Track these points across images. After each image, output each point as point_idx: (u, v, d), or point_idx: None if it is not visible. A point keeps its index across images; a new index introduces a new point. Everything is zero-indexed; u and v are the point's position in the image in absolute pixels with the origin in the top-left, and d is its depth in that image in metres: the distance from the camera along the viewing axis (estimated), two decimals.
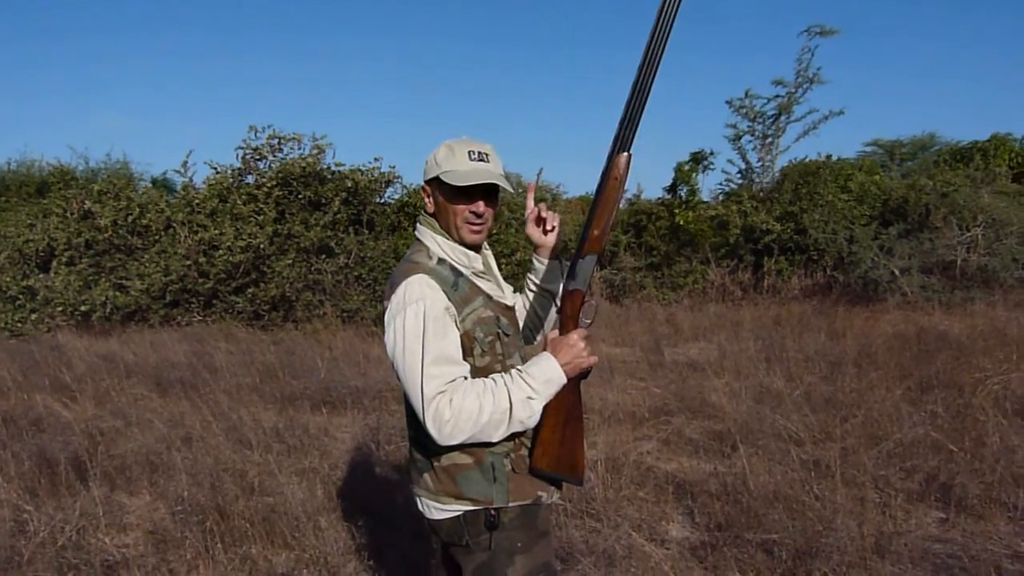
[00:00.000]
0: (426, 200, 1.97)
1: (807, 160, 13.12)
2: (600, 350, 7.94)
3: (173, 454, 5.03)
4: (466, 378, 1.80)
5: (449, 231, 1.94)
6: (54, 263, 10.87)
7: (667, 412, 5.91)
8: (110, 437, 5.58)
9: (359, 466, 4.90)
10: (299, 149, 11.51)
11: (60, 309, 10.30)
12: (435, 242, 1.93)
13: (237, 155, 11.41)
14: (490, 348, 1.89)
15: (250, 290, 10.37)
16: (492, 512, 1.86)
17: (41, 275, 10.74)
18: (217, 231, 10.44)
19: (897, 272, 10.29)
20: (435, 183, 1.92)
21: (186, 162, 11.59)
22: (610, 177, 1.87)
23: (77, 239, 10.89)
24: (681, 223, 12.38)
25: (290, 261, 10.43)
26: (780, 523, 3.74)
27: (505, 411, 1.77)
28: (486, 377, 1.83)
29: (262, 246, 10.32)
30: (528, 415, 1.81)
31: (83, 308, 10.23)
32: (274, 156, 11.45)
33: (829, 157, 13.19)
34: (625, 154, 1.84)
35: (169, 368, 7.57)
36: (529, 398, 1.81)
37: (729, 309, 10.96)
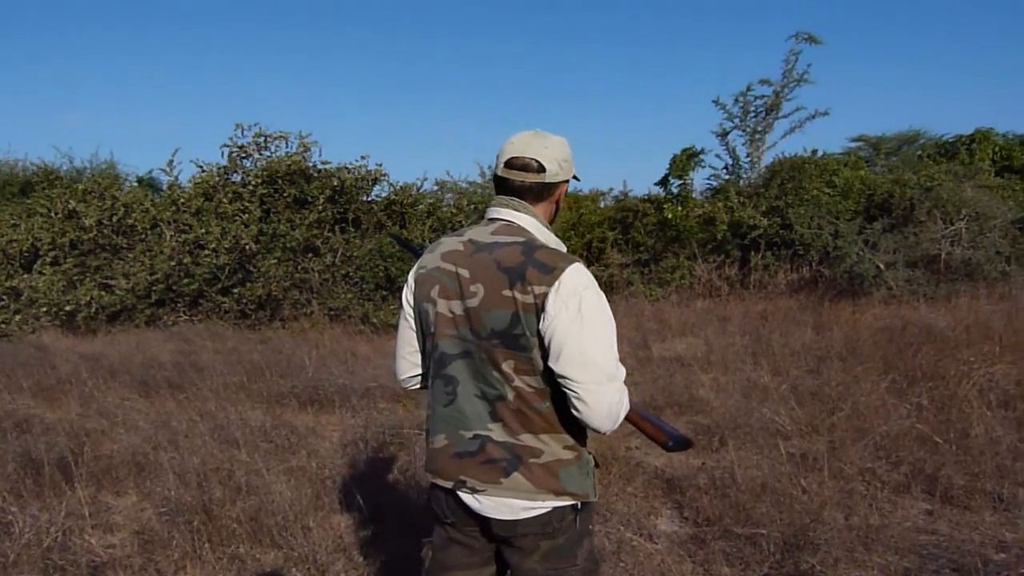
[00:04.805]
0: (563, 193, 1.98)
1: (793, 155, 13.15)
2: None
3: (160, 454, 5.00)
4: None
5: (550, 223, 1.97)
6: (38, 263, 10.77)
7: (655, 407, 5.91)
8: (95, 438, 5.54)
9: (347, 465, 4.89)
10: (286, 147, 11.49)
11: (44, 309, 10.21)
12: (543, 234, 1.89)
13: (223, 153, 11.38)
14: None
15: (236, 290, 10.32)
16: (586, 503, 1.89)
17: (25, 275, 10.64)
18: (203, 230, 10.38)
19: (882, 266, 10.33)
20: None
21: (172, 161, 11.56)
22: None
23: (62, 239, 10.79)
24: (670, 217, 12.39)
25: (276, 260, 10.38)
26: (768, 516, 3.76)
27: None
28: None
29: (248, 246, 10.27)
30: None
31: (68, 308, 10.14)
32: (260, 154, 11.41)
33: (815, 152, 13.23)
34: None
35: (155, 368, 7.52)
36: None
37: (716, 304, 10.99)
